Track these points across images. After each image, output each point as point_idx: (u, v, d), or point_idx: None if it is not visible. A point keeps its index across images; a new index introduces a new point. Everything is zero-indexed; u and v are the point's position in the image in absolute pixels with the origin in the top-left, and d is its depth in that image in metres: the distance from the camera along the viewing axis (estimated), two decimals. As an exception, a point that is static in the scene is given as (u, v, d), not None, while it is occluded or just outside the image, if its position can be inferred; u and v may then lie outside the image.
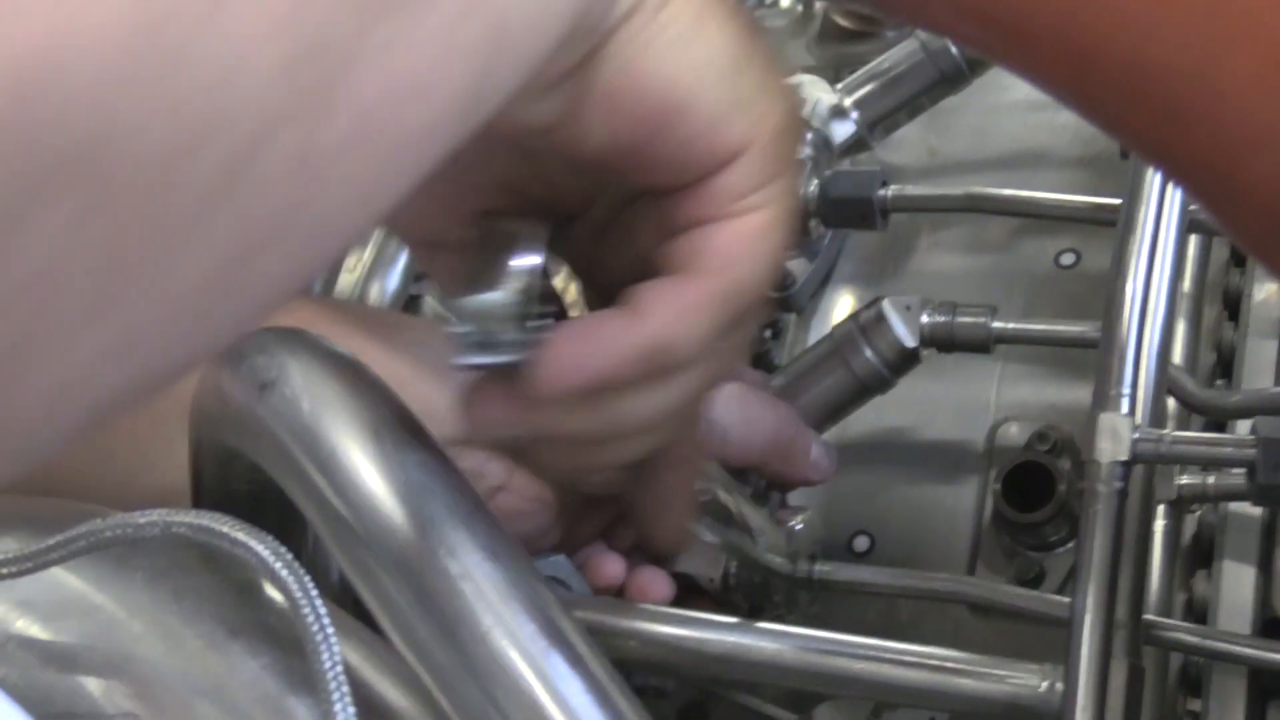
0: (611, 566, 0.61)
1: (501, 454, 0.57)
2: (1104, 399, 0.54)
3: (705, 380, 0.38)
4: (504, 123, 0.31)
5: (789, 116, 0.36)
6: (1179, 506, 0.61)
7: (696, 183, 0.35)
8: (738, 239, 0.35)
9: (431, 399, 0.55)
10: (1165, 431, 0.53)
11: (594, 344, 0.35)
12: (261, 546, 0.32)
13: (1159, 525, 0.60)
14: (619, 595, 0.62)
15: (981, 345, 0.65)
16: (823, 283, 0.79)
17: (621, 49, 0.32)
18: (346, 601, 0.40)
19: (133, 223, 0.21)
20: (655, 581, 0.61)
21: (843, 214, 0.73)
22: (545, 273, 0.36)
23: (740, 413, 0.60)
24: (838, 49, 0.88)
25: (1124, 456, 0.52)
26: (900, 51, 0.76)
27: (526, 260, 0.35)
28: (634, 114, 0.33)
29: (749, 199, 0.35)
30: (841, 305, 0.78)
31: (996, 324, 0.65)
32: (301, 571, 0.32)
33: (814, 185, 0.73)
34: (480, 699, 0.32)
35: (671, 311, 0.35)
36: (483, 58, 0.26)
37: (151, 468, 0.51)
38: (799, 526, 0.60)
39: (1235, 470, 0.56)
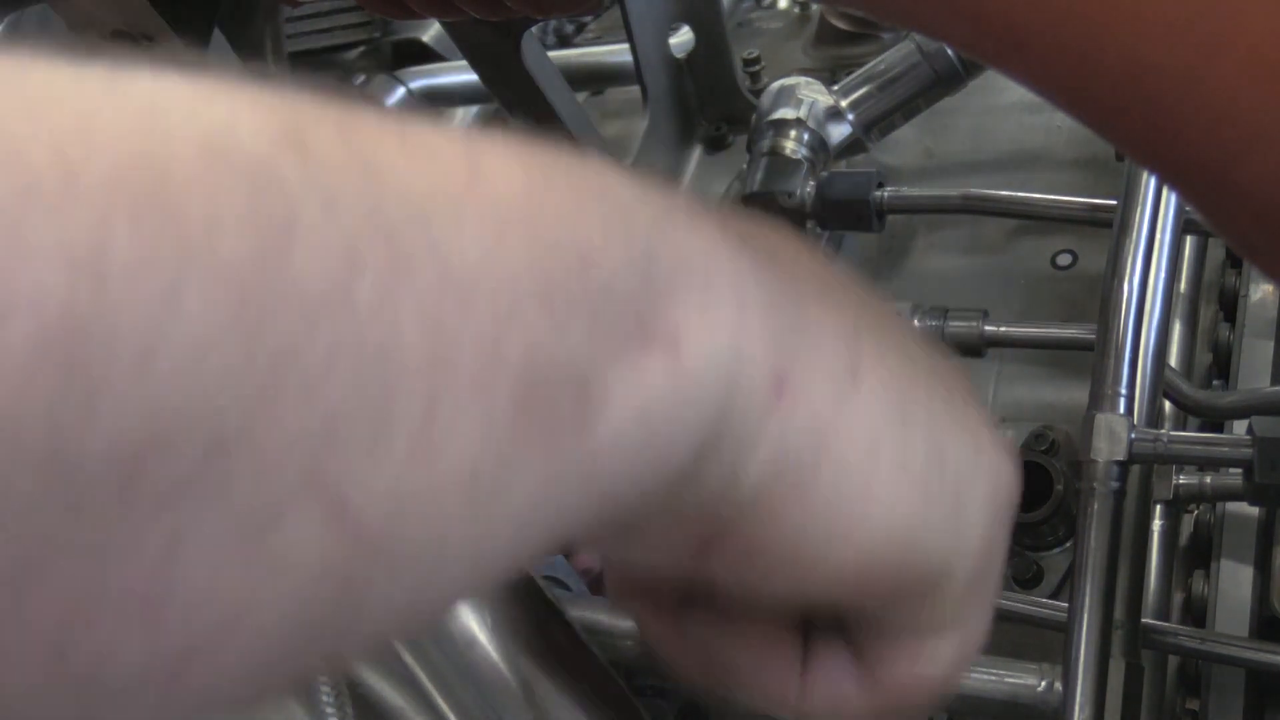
0: (588, 556, 0.62)
1: None
2: (1100, 399, 0.54)
3: None
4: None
5: (988, 539, 0.31)
6: (1176, 506, 0.61)
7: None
8: (913, 667, 0.32)
9: None
10: (1162, 431, 0.53)
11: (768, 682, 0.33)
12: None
13: (1156, 525, 0.60)
14: (599, 580, 0.62)
15: (973, 349, 0.65)
16: (820, 284, 0.79)
17: (772, 507, 0.27)
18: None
19: None
20: None
21: (839, 215, 0.74)
22: None
23: None
24: (834, 51, 0.88)
25: (1121, 456, 0.52)
26: (896, 54, 0.76)
27: None
28: (795, 578, 0.29)
29: (934, 630, 0.32)
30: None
31: (988, 327, 0.65)
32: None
33: (811, 187, 0.74)
34: (477, 699, 0.32)
35: (837, 702, 0.33)
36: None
37: None
38: None
39: (1233, 470, 0.56)
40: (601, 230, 0.24)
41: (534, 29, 0.73)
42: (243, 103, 0.19)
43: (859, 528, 0.27)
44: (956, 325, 0.65)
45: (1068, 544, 0.65)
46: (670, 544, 0.28)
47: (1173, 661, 0.59)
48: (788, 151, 0.75)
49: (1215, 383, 0.66)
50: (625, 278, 0.24)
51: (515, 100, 0.77)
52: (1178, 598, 0.61)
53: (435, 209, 0.21)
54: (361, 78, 0.98)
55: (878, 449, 0.27)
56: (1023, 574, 0.65)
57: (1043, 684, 0.51)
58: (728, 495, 0.26)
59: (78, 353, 0.17)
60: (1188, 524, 0.62)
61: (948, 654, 0.32)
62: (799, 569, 0.28)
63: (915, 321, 0.65)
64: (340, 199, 0.20)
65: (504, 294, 0.21)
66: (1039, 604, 0.58)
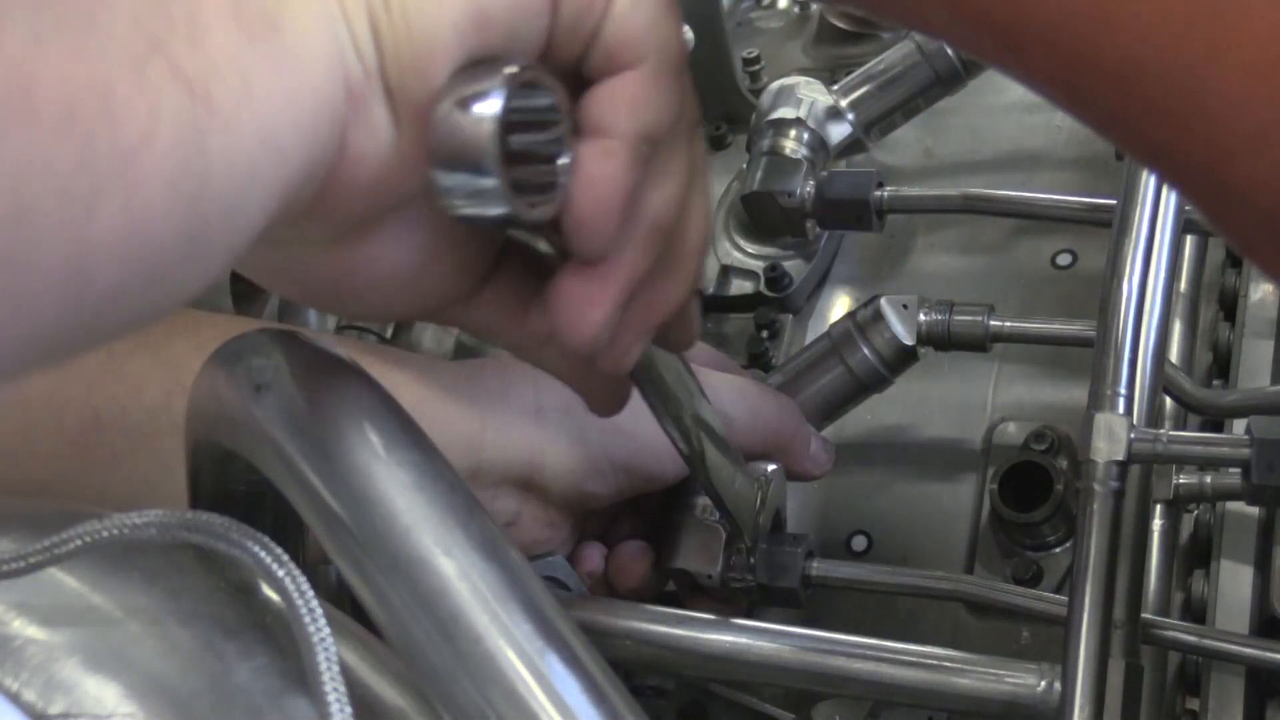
0: (592, 558, 0.62)
1: (510, 488, 0.57)
2: (1100, 399, 0.54)
3: (688, 168, 0.39)
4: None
5: None
6: (1176, 506, 0.61)
7: None
8: (635, 25, 0.36)
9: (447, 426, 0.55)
10: (1161, 431, 0.53)
11: (602, 171, 0.35)
12: (258, 547, 0.33)
13: (1156, 525, 0.60)
14: (604, 583, 0.62)
15: (978, 343, 0.65)
16: (819, 283, 0.79)
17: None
18: (344, 602, 0.40)
19: None
20: (634, 558, 0.61)
21: (839, 215, 0.74)
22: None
23: (744, 404, 0.61)
24: (834, 51, 0.88)
25: (1120, 456, 0.52)
26: (896, 53, 0.76)
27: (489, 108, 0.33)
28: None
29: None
30: (838, 306, 0.78)
31: (994, 322, 0.65)
32: (298, 572, 0.32)
33: (810, 186, 0.74)
34: (476, 699, 0.32)
35: (625, 109, 0.36)
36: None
37: (153, 493, 0.52)
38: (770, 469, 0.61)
39: (1233, 469, 0.56)
40: None
41: (534, 28, 0.73)
42: None
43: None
44: (962, 319, 0.65)
45: (1068, 544, 0.65)
46: (395, 153, 0.33)
47: (1172, 661, 0.59)
48: (787, 151, 0.75)
49: (1215, 382, 0.66)
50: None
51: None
52: (1177, 597, 0.61)
53: None
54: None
55: None
56: (1023, 573, 0.65)
57: (1042, 684, 0.51)
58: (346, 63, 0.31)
59: None
60: (1188, 524, 0.62)
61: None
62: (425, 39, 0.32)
63: (921, 316, 0.65)
64: None
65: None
66: (1039, 598, 0.58)
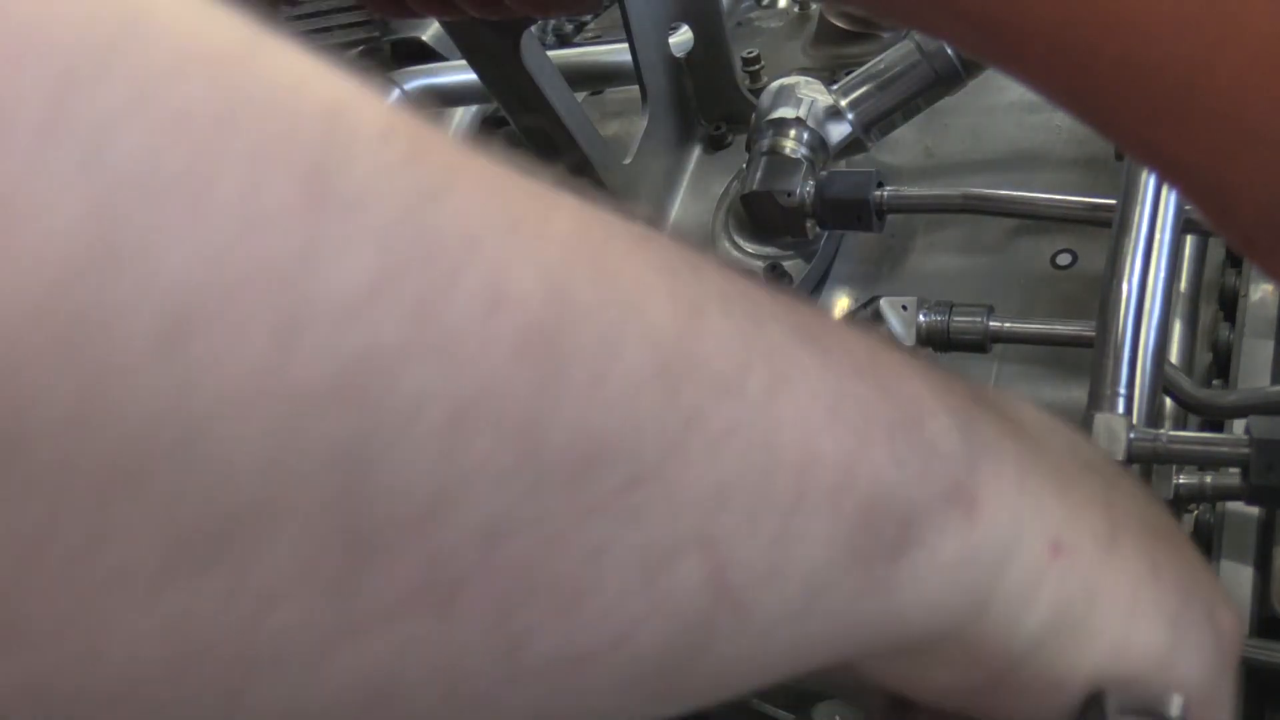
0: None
1: None
2: (1100, 399, 0.54)
3: None
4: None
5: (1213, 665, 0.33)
6: (1176, 506, 0.61)
7: None
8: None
9: None
10: (1161, 431, 0.53)
11: None
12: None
13: (1156, 524, 0.60)
14: None
15: (978, 345, 0.65)
16: (819, 283, 0.79)
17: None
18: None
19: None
20: None
21: (839, 215, 0.74)
22: None
23: None
24: (834, 50, 0.88)
25: (1119, 456, 0.52)
26: (896, 53, 0.76)
27: None
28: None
29: None
30: (838, 306, 0.78)
31: (993, 323, 0.65)
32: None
33: (810, 186, 0.74)
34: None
35: None
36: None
37: None
38: None
39: (1233, 469, 0.56)
40: (930, 394, 0.28)
41: (533, 28, 0.73)
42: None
43: (1117, 663, 0.31)
44: (961, 320, 0.65)
45: (1067, 544, 0.64)
46: (940, 687, 0.31)
47: (1172, 661, 0.59)
48: (787, 151, 0.75)
49: (1215, 382, 0.66)
50: (948, 440, 0.27)
51: (515, 100, 0.77)
52: (1177, 597, 0.61)
53: (802, 342, 0.25)
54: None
55: (1138, 598, 0.31)
56: (1022, 574, 0.64)
57: (1042, 684, 0.51)
58: (1006, 646, 0.29)
59: (552, 349, 0.20)
60: (1188, 524, 0.62)
61: None
62: (1047, 699, 0.31)
63: (921, 317, 0.65)
64: (733, 308, 0.24)
65: (861, 418, 0.25)
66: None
